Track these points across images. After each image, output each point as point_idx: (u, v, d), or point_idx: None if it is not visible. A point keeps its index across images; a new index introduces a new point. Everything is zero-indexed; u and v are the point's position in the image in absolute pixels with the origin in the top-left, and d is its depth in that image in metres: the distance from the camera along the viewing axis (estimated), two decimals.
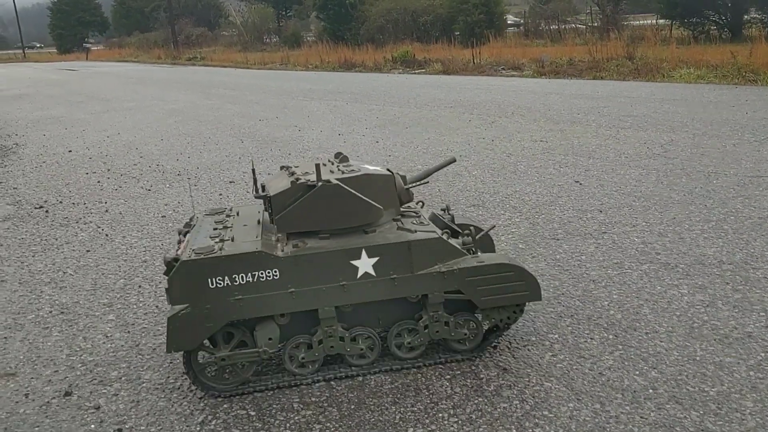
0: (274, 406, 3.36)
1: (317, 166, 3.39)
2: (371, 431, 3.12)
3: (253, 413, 3.31)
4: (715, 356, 3.63)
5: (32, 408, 3.48)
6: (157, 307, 4.62)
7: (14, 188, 8.61)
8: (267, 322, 3.40)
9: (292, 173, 3.58)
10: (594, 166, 8.09)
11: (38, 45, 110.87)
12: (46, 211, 7.36)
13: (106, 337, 4.23)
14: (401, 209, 3.76)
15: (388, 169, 3.67)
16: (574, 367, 3.58)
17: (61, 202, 7.74)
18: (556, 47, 27.69)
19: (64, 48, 74.72)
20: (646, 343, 3.80)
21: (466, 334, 3.60)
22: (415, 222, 3.59)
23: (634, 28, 29.24)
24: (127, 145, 11.31)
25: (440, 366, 3.64)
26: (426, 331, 3.54)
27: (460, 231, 3.84)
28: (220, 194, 7.62)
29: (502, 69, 23.03)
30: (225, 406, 3.37)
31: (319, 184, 3.32)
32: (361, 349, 3.55)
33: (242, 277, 3.22)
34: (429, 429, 3.11)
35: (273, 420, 3.24)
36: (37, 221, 7.01)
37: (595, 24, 32.20)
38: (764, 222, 5.76)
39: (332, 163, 3.73)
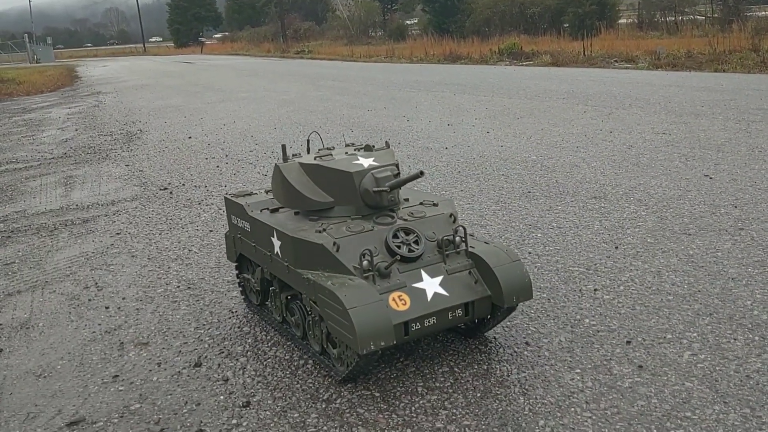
0: (398, 388, 3.32)
1: (283, 146, 3.79)
2: (500, 421, 3.01)
3: (377, 394, 3.27)
4: None
5: (165, 376, 3.59)
6: None
7: (140, 171, 9.03)
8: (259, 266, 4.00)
9: (328, 150, 3.87)
10: (724, 160, 7.60)
11: (158, 38, 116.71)
12: (170, 193, 7.66)
13: (231, 312, 4.32)
14: (393, 212, 3.57)
15: (392, 168, 3.53)
16: (718, 368, 3.33)
17: (183, 184, 8.04)
18: (672, 39, 26.37)
19: (181, 42, 78.28)
20: None
21: (334, 355, 3.48)
22: (351, 226, 3.39)
23: (758, 19, 27.41)
24: (242, 133, 11.65)
25: (568, 358, 3.48)
26: (315, 329, 3.58)
27: (406, 257, 3.30)
28: None
29: (615, 61, 22.14)
30: (349, 385, 3.36)
31: (275, 162, 3.72)
32: (292, 321, 3.83)
33: (238, 220, 4.05)
34: (561, 422, 2.97)
35: (398, 402, 3.20)
36: (162, 202, 7.30)
37: (716, 15, 30.44)
38: None
39: (351, 149, 3.82)
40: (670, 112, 11.08)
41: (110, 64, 47.09)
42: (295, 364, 3.63)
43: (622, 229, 5.44)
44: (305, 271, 3.33)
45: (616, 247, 5.05)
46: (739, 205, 5.91)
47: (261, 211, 3.83)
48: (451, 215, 3.64)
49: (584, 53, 23.97)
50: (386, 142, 3.94)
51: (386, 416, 3.09)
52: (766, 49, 19.10)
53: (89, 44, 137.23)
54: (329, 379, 3.45)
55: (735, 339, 3.60)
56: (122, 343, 4.01)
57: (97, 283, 5.00)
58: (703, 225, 5.43)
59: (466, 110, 12.84)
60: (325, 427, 3.06)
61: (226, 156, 9.62)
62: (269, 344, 3.86)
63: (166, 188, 7.90)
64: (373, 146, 3.78)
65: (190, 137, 11.50)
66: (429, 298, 3.24)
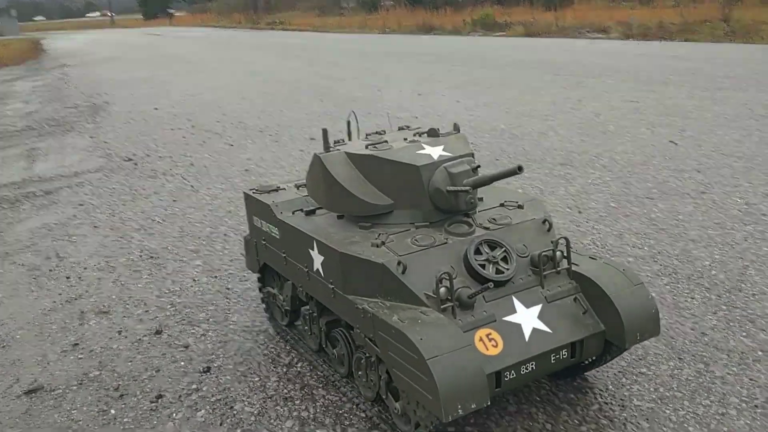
0: None
1: (324, 131, 2.98)
2: None
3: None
4: None
5: (125, 344, 3.56)
6: (242, 255, 4.65)
7: (105, 142, 8.87)
8: (288, 280, 3.33)
9: (379, 135, 3.23)
10: (690, 126, 7.66)
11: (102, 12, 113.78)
12: (135, 164, 7.55)
13: (194, 281, 4.28)
14: (468, 217, 2.85)
15: (469, 160, 2.81)
16: (674, 326, 3.39)
17: (148, 155, 7.93)
18: (644, 9, 26.43)
19: (150, 14, 76.73)
20: (753, 304, 3.55)
21: (396, 410, 2.67)
22: (418, 238, 2.66)
23: None
24: (210, 104, 11.49)
25: None
26: (368, 373, 2.81)
27: (499, 281, 2.57)
28: (301, 150, 7.62)
29: (587, 31, 22.17)
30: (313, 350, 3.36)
31: (315, 153, 2.95)
32: (332, 354, 3.07)
33: (262, 223, 3.34)
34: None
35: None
36: (126, 173, 7.19)
37: None
38: None
39: (411, 134, 3.11)
40: (638, 81, 11.14)
41: (77, 37, 46.06)
42: (257, 329, 3.62)
43: (586, 194, 5.48)
44: (358, 299, 2.62)
45: (580, 212, 5.08)
46: (702, 169, 5.97)
47: (293, 213, 3.12)
48: (545, 221, 2.88)
49: (557, 24, 23.94)
50: (455, 124, 3.12)
51: (344, 383, 3.10)
52: (736, 19, 19.23)
53: (41, 17, 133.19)
54: (290, 344, 3.44)
55: (692, 298, 3.65)
56: (83, 312, 3.96)
57: (58, 254, 4.92)
58: (666, 189, 5.49)
59: (437, 80, 12.78)
60: (285, 390, 3.06)
61: (193, 127, 9.49)
62: (231, 312, 3.84)
63: (130, 159, 7.78)
64: (438, 130, 2.99)
65: (156, 109, 11.32)
66: (527, 337, 2.49)
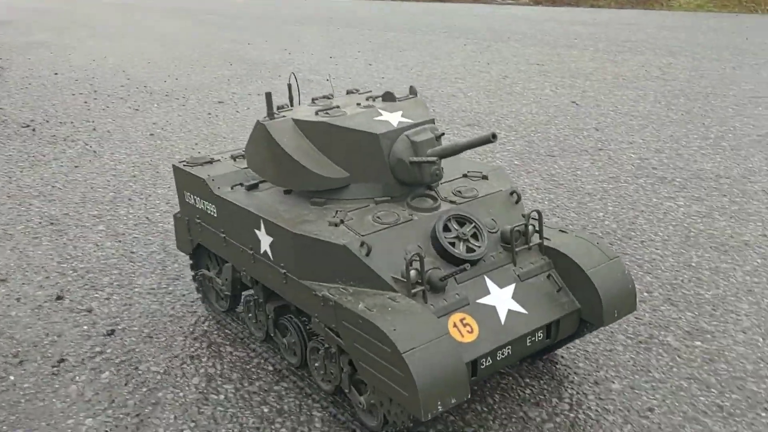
0: None
1: (268, 95, 2.67)
2: None
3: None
4: (711, 262, 3.62)
5: (24, 311, 3.45)
6: (147, 218, 4.56)
7: (0, 108, 8.41)
8: (228, 263, 3.07)
9: (328, 99, 2.92)
10: (591, 87, 7.96)
11: None
12: (33, 130, 7.20)
13: (97, 245, 4.18)
14: (431, 190, 2.64)
15: (432, 127, 2.60)
16: None
17: (47, 121, 7.57)
18: None
19: None
20: (641, 250, 3.78)
21: (360, 404, 2.48)
22: (380, 215, 2.45)
23: None
24: (114, 69, 11.04)
25: None
26: (326, 365, 2.62)
27: (468, 260, 2.39)
28: (209, 113, 7.47)
29: None
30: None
31: (259, 120, 2.70)
32: (283, 344, 2.86)
33: (196, 199, 3.04)
34: None
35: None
36: (24, 139, 6.86)
37: None
38: (763, 139, 5.70)
39: (363, 99, 2.85)
40: (545, 45, 11.43)
41: None
42: (162, 291, 3.58)
43: (492, 153, 5.64)
44: (316, 284, 2.41)
45: None
46: (600, 128, 6.24)
47: (233, 188, 2.85)
48: (513, 193, 2.72)
49: None
50: (411, 87, 2.88)
51: (253, 339, 3.13)
52: None
53: None
54: (196, 304, 3.43)
55: None
56: None
57: None
58: (566, 147, 5.71)
59: (349, 44, 12.71)
60: (191, 349, 3.06)
61: (95, 92, 9.11)
62: (136, 275, 3.77)
63: (28, 125, 7.42)
64: (394, 94, 2.77)
65: (56, 74, 10.78)
66: (502, 320, 2.33)
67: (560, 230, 2.70)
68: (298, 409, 2.67)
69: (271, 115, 2.67)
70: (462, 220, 2.48)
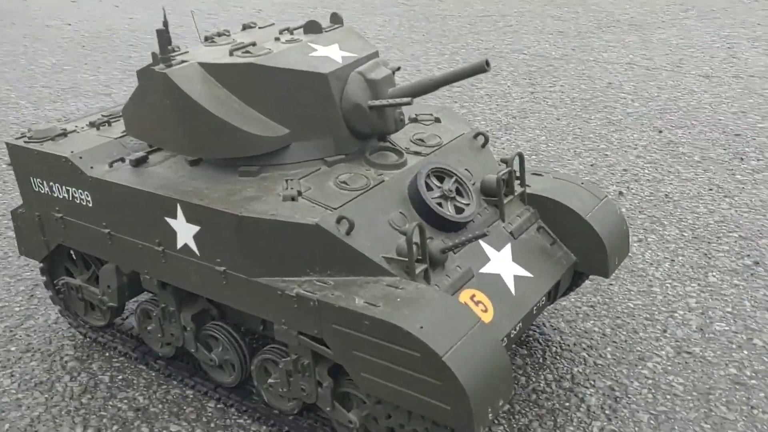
0: None
1: (161, 31, 2.08)
2: None
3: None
4: None
5: None
6: None
7: None
8: (109, 264, 2.48)
9: (226, 36, 2.37)
10: (345, 16, 8.22)
11: None
12: None
13: None
14: (386, 141, 2.22)
15: (382, 61, 2.18)
16: None
17: None
18: None
19: None
20: None
21: (351, 422, 2.02)
22: (343, 178, 2.01)
23: None
24: None
25: None
26: (291, 380, 2.12)
27: (463, 222, 2.05)
28: None
29: None
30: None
31: (158, 67, 2.05)
32: (212, 360, 2.35)
33: (53, 186, 2.35)
34: None
35: None
36: None
37: None
38: (489, 51, 6.35)
39: (276, 32, 2.34)
40: None
41: None
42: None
43: None
44: (279, 281, 1.91)
45: None
46: None
47: (111, 166, 2.25)
48: (477, 135, 2.37)
49: None
50: (334, 14, 2.44)
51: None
52: None
53: None
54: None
55: None
56: None
57: None
58: None
59: None
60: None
61: None
62: None
63: None
64: (319, 24, 2.26)
65: None
66: (512, 290, 2.03)
67: (533, 173, 2.39)
68: None
69: (167, 60, 2.05)
70: (441, 175, 2.10)
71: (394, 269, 1.85)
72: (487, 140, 2.37)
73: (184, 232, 2.07)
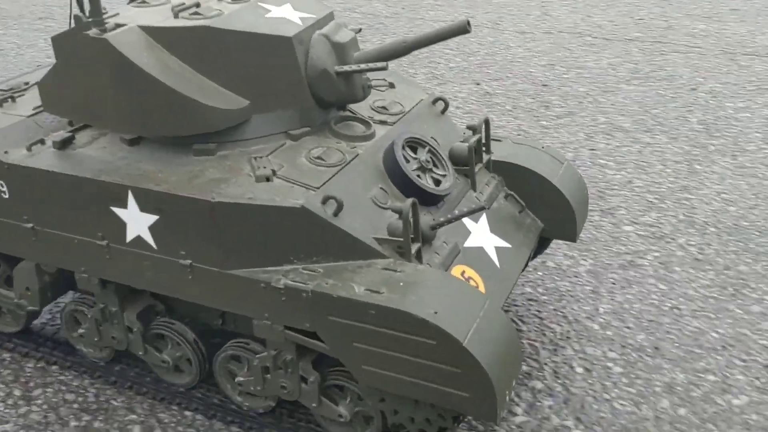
0: None
1: None
2: None
3: None
4: None
5: None
6: None
7: None
8: (26, 263, 2.22)
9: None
10: None
11: None
12: None
13: None
14: (342, 118, 2.08)
15: (342, 22, 2.07)
16: None
17: None
18: None
19: None
20: None
21: (341, 416, 1.95)
22: (314, 152, 1.90)
23: None
24: None
25: None
26: (267, 377, 1.98)
27: (442, 195, 1.99)
28: None
29: None
30: None
31: (91, 32, 1.80)
32: (164, 362, 2.17)
33: None
34: None
35: None
36: None
37: None
38: None
39: None
40: None
41: None
42: None
43: None
44: (259, 272, 1.76)
45: None
46: None
47: (30, 149, 1.98)
48: (437, 100, 2.30)
49: None
50: None
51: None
52: None
53: None
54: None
55: None
56: None
57: None
58: None
59: None
60: None
61: None
62: None
63: None
64: None
65: None
66: (497, 262, 1.98)
67: (494, 139, 2.31)
68: None
69: (100, 23, 1.77)
70: (414, 145, 2.00)
71: (386, 250, 1.74)
72: (447, 106, 2.31)
73: (137, 222, 1.84)
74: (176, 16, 1.89)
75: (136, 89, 1.81)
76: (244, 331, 1.98)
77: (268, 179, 1.76)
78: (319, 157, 1.86)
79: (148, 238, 1.85)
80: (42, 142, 2.02)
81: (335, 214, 1.71)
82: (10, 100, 2.31)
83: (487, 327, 1.62)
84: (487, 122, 2.17)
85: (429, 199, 1.92)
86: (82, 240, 1.96)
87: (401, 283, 1.65)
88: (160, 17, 1.90)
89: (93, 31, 1.81)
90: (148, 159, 1.89)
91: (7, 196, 2.02)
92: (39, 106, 2.14)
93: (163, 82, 1.78)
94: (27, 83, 2.46)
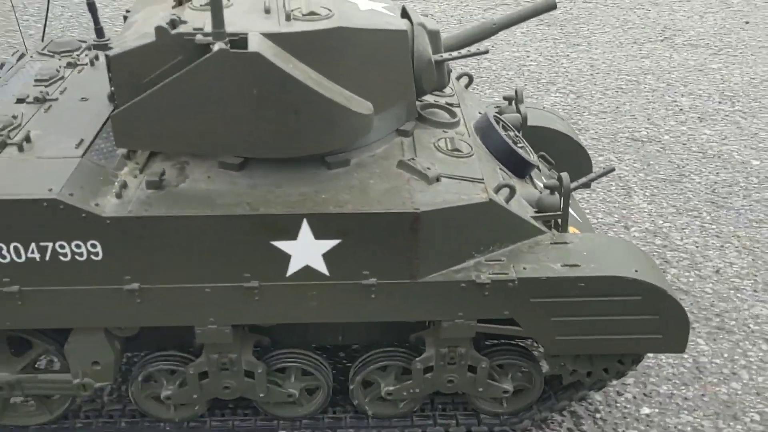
0: None
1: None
2: None
3: None
4: None
5: None
6: None
7: None
8: (86, 335, 1.89)
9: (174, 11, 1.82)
10: None
11: None
12: None
13: None
14: (424, 106, 2.13)
15: (414, 9, 2.00)
16: None
17: None
18: None
19: None
20: None
21: (506, 392, 2.11)
22: (452, 142, 1.97)
23: None
24: None
25: None
26: (428, 376, 2.04)
27: (536, 165, 2.21)
28: None
29: None
30: None
31: (217, 45, 1.56)
32: (290, 396, 2.05)
33: (19, 250, 1.65)
34: None
35: None
36: None
37: None
38: None
39: None
40: None
41: None
42: None
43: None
44: (452, 273, 1.81)
45: None
46: None
47: (120, 195, 1.72)
48: (462, 76, 2.43)
49: None
50: None
51: None
52: None
53: None
54: None
55: None
56: None
57: None
58: None
59: None
60: None
61: None
62: None
63: None
64: None
65: None
66: (577, 216, 2.25)
67: (495, 103, 2.53)
68: None
69: (221, 36, 1.56)
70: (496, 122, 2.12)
71: (540, 224, 1.90)
72: (471, 80, 2.37)
73: (306, 252, 1.73)
74: (288, 19, 1.75)
75: (290, 104, 1.66)
76: (365, 341, 2.03)
77: (438, 179, 1.80)
78: (456, 149, 1.90)
79: (320, 267, 1.76)
80: (124, 185, 1.71)
81: (507, 201, 1.81)
82: (26, 140, 1.82)
83: (655, 269, 1.84)
84: (519, 91, 2.26)
85: (522, 170, 2.03)
86: (218, 287, 1.76)
87: (584, 252, 1.81)
88: (268, 23, 1.72)
89: (219, 45, 1.58)
90: (287, 182, 1.75)
91: (99, 258, 1.69)
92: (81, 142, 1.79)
93: (321, 94, 1.66)
94: (15, 116, 1.94)
